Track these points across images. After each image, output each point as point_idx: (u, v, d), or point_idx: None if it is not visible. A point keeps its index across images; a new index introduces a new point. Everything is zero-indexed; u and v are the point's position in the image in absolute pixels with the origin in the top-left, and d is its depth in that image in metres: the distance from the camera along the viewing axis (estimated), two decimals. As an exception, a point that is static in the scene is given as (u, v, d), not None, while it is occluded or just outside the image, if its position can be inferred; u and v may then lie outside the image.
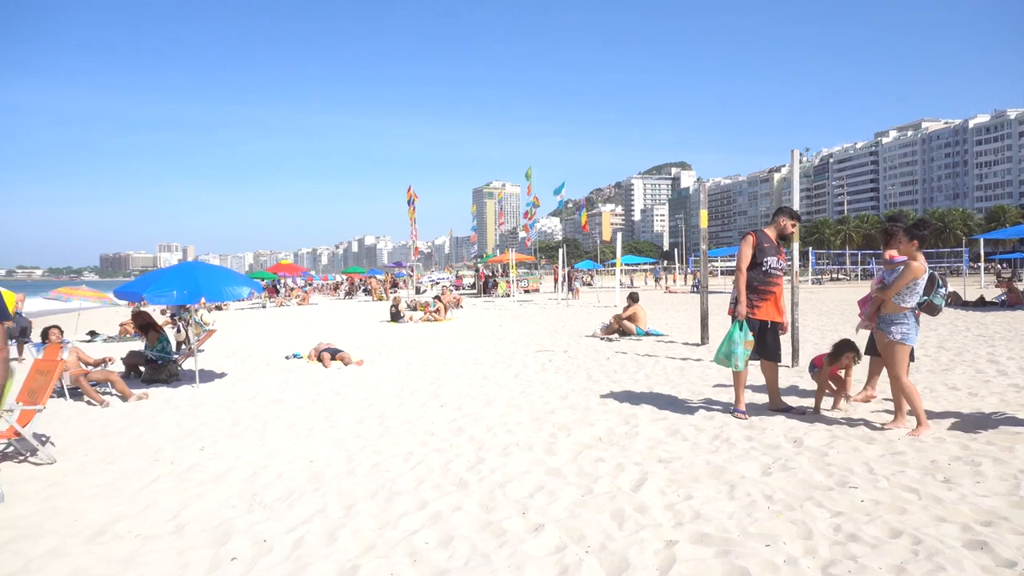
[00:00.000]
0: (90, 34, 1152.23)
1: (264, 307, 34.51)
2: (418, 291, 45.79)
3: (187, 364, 10.25)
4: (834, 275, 61.08)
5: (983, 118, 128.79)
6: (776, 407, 6.53)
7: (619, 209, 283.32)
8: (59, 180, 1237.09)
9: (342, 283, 48.01)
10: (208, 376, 9.87)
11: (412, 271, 62.13)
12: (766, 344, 6.41)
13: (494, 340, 13.90)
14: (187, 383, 9.39)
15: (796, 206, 8.66)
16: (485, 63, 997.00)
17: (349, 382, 9.22)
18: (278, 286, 41.40)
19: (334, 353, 11.29)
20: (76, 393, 8.34)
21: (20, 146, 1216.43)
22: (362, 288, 42.81)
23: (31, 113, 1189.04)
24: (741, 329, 6.26)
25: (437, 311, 20.11)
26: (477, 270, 47.65)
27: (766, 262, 6.35)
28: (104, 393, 8.38)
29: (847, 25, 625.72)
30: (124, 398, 8.19)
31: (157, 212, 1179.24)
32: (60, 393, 8.18)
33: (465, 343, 13.53)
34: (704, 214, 12.34)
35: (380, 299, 35.34)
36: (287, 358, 11.92)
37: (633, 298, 14.27)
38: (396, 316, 19.88)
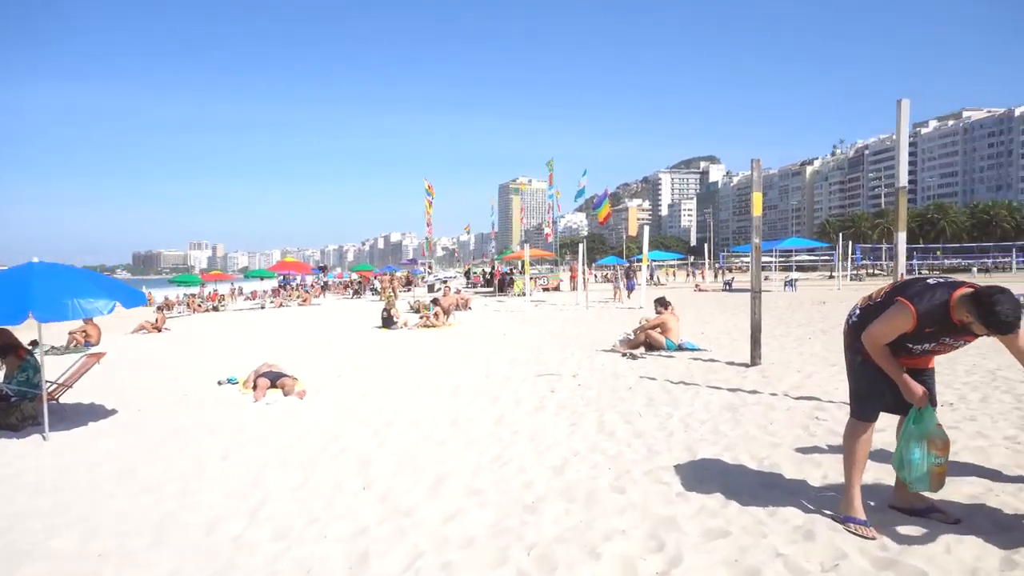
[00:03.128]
0: (123, 34, 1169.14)
1: (263, 307, 32.39)
2: (431, 289, 43.38)
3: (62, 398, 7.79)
4: (870, 270, 57.51)
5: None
6: (906, 504, 3.83)
7: (646, 204, 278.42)
8: (93, 179, 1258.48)
9: (352, 282, 45.73)
10: (77, 417, 7.36)
11: (429, 268, 59.92)
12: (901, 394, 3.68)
13: (490, 355, 11.25)
14: (58, 426, 6.92)
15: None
16: (510, 59, 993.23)
17: (264, 431, 6.62)
18: (285, 285, 39.35)
19: (275, 379, 8.76)
20: None
21: (57, 145, 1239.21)
22: (370, 287, 40.45)
23: (67, 112, 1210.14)
24: (921, 420, 3.55)
25: (435, 315, 17.53)
26: (492, 267, 44.98)
27: (916, 347, 3.59)
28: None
29: (880, 12, 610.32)
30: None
31: (188, 210, 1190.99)
32: None
33: (453, 359, 10.90)
34: (758, 199, 9.58)
35: (389, 298, 32.96)
36: (219, 383, 9.42)
37: (663, 304, 11.52)
38: (388, 321, 17.34)
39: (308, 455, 5.62)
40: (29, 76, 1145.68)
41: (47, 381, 7.59)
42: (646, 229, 23.57)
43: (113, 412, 7.68)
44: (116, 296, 6.48)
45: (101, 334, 16.44)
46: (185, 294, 37.29)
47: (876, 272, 55.16)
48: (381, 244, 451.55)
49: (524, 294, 31.15)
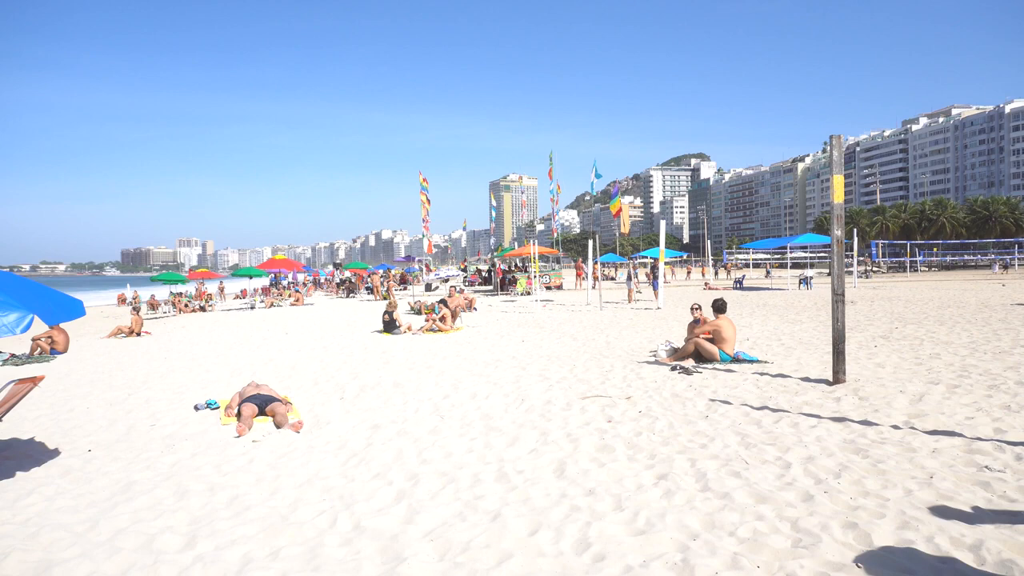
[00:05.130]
0: (106, 31, 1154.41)
1: (252, 308, 30.65)
2: (428, 288, 41.70)
3: None
4: (877, 267, 56.32)
5: (1020, 103, 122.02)
6: None
7: (638, 201, 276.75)
8: (81, 176, 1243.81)
9: (346, 280, 43.95)
10: (4, 463, 5.74)
11: (425, 266, 58.11)
12: None
13: (515, 369, 9.64)
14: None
15: None
16: (501, 56, 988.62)
17: (246, 487, 4.96)
18: (276, 284, 37.58)
19: (264, 404, 7.13)
20: None
21: (43, 143, 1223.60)
22: (364, 286, 38.74)
23: (53, 110, 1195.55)
24: None
25: (442, 319, 15.92)
26: (492, 265, 43.33)
27: None
28: None
29: (869, 10, 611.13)
30: None
31: (177, 207, 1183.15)
32: None
33: (473, 375, 9.27)
34: (839, 183, 8.00)
35: (384, 298, 31.30)
36: (196, 408, 7.78)
37: (719, 308, 9.97)
38: (390, 325, 15.72)
39: (309, 539, 4.00)
40: (12, 69, 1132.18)
41: (-31, 413, 5.95)
42: (663, 224, 22.02)
43: (55, 454, 6.02)
44: (35, 308, 4.81)
45: (69, 340, 14.75)
46: (172, 293, 35.51)
47: (875, 269, 54.01)
48: (372, 241, 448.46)
49: (528, 293, 29.57)
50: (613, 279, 46.43)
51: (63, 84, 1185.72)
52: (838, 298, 8.06)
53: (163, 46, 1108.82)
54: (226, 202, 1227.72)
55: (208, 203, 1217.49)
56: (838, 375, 7.85)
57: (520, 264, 38.77)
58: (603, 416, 6.57)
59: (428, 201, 34.33)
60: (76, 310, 5.36)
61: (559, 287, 36.40)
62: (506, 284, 33.94)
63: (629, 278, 25.61)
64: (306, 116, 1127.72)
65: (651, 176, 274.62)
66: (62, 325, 14.87)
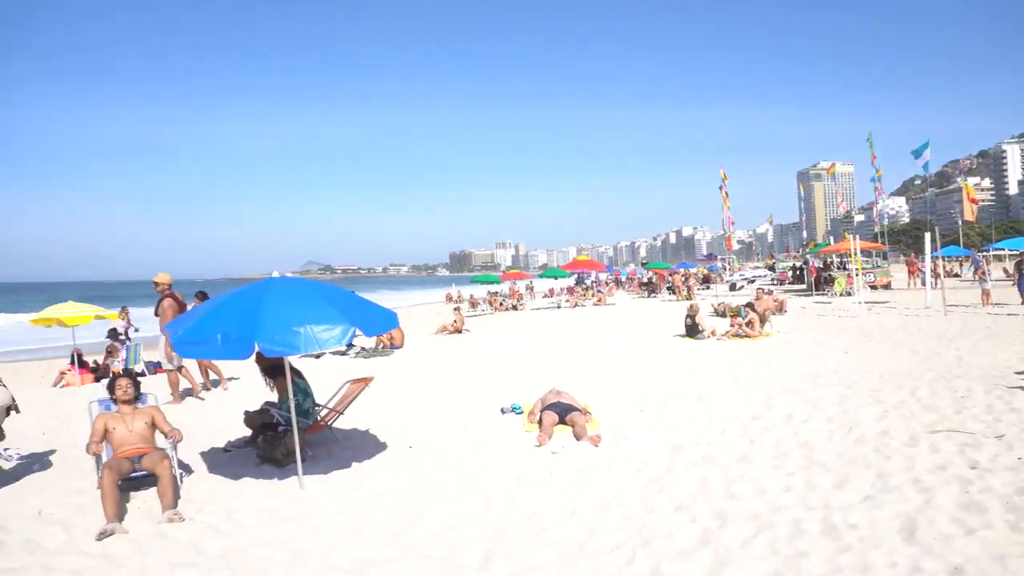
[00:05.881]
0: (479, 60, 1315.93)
1: (559, 307, 32.09)
2: (732, 288, 39.76)
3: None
4: None
5: None
6: None
7: (986, 183, 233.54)
8: (419, 187, 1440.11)
9: (648, 280, 43.92)
10: (341, 453, 6.41)
11: (727, 264, 55.73)
12: None
13: (839, 387, 8.28)
14: (315, 465, 6.03)
15: None
16: (803, 26, 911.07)
17: (546, 500, 4.85)
18: (579, 283, 39.02)
19: (564, 413, 7.10)
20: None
21: (396, 162, 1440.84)
22: (666, 285, 38.22)
23: (404, 134, 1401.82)
24: None
25: (749, 323, 14.78)
26: (805, 261, 39.75)
27: None
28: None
29: None
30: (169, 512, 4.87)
31: (494, 212, 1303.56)
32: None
33: (788, 392, 8.16)
34: None
35: (686, 298, 30.52)
36: (503, 411, 8.06)
37: None
38: (692, 330, 15.05)
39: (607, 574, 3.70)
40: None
41: (318, 405, 6.83)
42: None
43: (381, 447, 6.64)
44: (357, 321, 5.25)
45: (404, 337, 16.73)
46: (488, 292, 38.82)
47: None
48: (673, 239, 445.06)
49: (848, 294, 26.41)
50: (958, 276, 39.49)
51: (419, 114, 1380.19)
52: None
53: (497, 63, 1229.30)
54: (535, 205, 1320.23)
55: (520, 207, 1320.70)
56: None
57: (838, 261, 34.91)
58: (964, 459, 5.25)
59: (727, 196, 32.70)
60: (390, 322, 5.82)
61: (886, 286, 31.97)
62: (821, 283, 30.78)
63: (983, 276, 21.39)
64: (609, 118, 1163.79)
65: (1003, 151, 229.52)
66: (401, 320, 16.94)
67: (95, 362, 13.78)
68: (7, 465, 6.25)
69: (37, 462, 6.48)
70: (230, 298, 5.52)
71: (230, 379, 11.30)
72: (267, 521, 4.76)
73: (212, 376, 10.87)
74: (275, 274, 5.86)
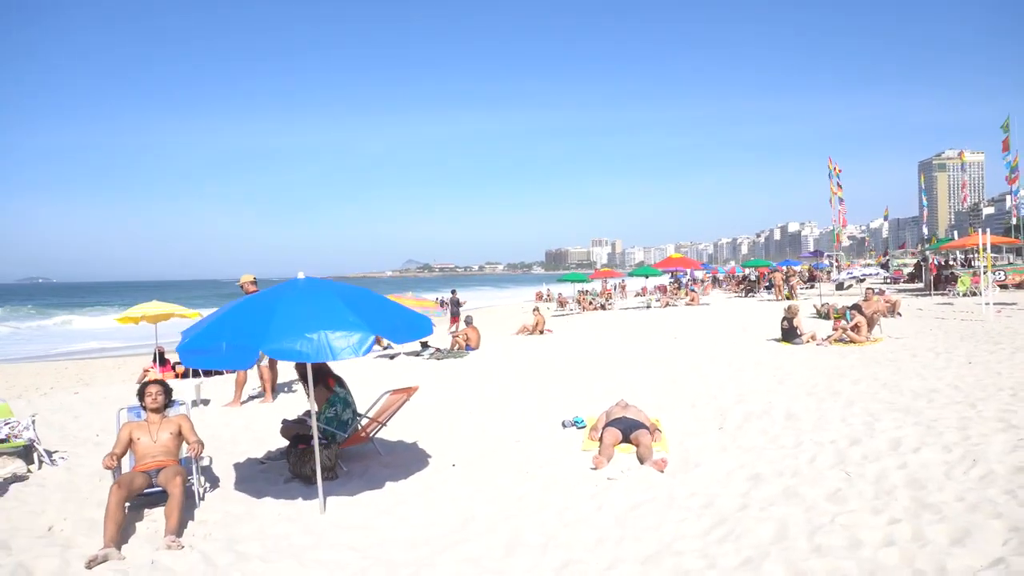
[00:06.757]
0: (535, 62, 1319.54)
1: (648, 307, 30.85)
2: (840, 287, 37.08)
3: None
4: None
5: None
6: None
7: None
8: (513, 188, 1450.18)
9: (745, 278, 41.75)
10: (379, 471, 5.86)
11: (836, 262, 52.25)
12: None
13: (961, 406, 6.98)
14: (346, 484, 5.52)
15: None
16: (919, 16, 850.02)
17: (588, 541, 4.12)
18: (674, 281, 37.51)
19: (628, 431, 6.29)
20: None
21: (483, 165, 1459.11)
22: (764, 284, 36.13)
23: (488, 138, 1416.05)
24: None
25: (855, 327, 13.33)
26: (924, 258, 36.54)
27: None
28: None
29: None
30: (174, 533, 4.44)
31: (591, 211, 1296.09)
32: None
33: (896, 411, 6.97)
34: None
35: (786, 298, 28.64)
36: (564, 425, 7.33)
37: None
38: (789, 334, 13.75)
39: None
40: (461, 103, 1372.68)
41: (359, 415, 6.33)
42: None
43: (422, 464, 6.07)
44: (380, 329, 4.69)
45: (481, 337, 16.25)
46: (578, 291, 37.98)
47: None
48: (777, 235, 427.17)
49: (974, 294, 23.88)
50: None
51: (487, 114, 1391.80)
52: None
53: (599, 63, 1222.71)
54: (632, 203, 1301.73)
55: (617, 205, 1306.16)
56: None
57: (961, 258, 31.83)
58: None
59: (839, 187, 30.47)
60: (423, 329, 5.24)
61: (1019, 286, 28.81)
62: (941, 282, 28.06)
63: None
64: (702, 115, 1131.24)
65: None
66: (474, 324, 16.47)
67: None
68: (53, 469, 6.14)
69: (83, 466, 6.34)
70: (244, 303, 5.09)
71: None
72: (270, 553, 4.26)
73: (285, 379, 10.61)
74: (300, 275, 5.39)
